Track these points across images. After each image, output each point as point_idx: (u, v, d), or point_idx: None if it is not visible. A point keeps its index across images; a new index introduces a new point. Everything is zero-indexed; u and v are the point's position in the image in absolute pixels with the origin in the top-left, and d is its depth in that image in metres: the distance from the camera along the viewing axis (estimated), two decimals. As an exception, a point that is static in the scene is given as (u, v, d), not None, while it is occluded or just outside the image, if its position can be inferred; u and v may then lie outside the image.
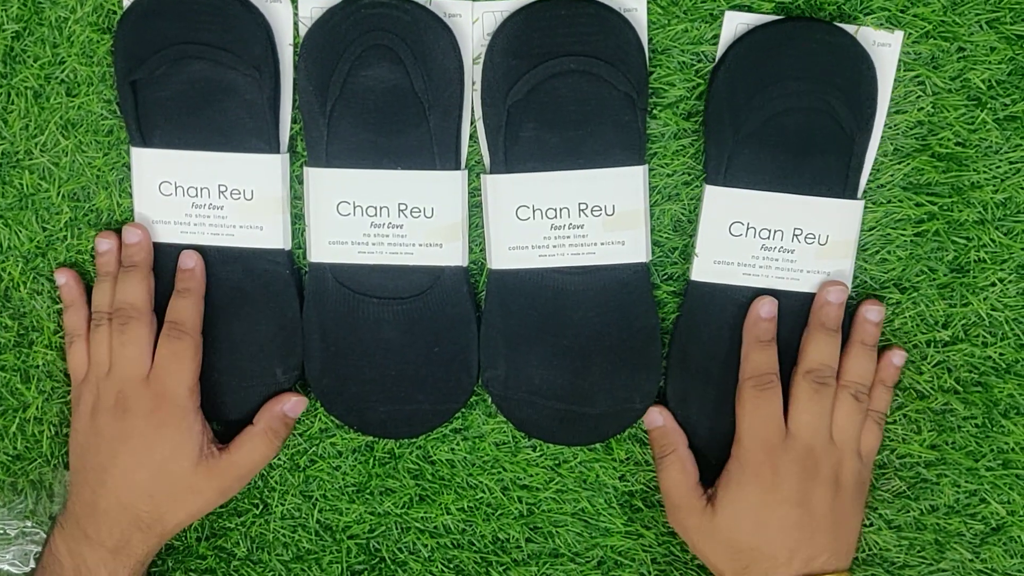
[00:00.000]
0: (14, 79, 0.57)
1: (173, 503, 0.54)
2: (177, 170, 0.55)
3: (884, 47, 0.53)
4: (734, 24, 0.53)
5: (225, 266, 0.56)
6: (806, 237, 0.54)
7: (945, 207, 0.55)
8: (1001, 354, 0.56)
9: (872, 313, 0.54)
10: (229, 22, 0.53)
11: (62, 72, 0.57)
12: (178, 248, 0.56)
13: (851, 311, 0.55)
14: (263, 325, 0.57)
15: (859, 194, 0.54)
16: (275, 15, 0.54)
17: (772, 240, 0.54)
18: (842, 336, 0.54)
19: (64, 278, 0.58)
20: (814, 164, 0.53)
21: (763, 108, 0.52)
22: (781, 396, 0.53)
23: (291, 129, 0.56)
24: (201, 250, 0.56)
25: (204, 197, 0.55)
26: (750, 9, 0.53)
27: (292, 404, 0.57)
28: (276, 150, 0.55)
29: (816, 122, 0.53)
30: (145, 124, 0.55)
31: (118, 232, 0.57)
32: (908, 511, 0.57)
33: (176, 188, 0.55)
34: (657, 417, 0.56)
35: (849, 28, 0.52)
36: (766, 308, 0.54)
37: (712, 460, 0.57)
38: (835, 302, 0.54)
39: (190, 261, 0.56)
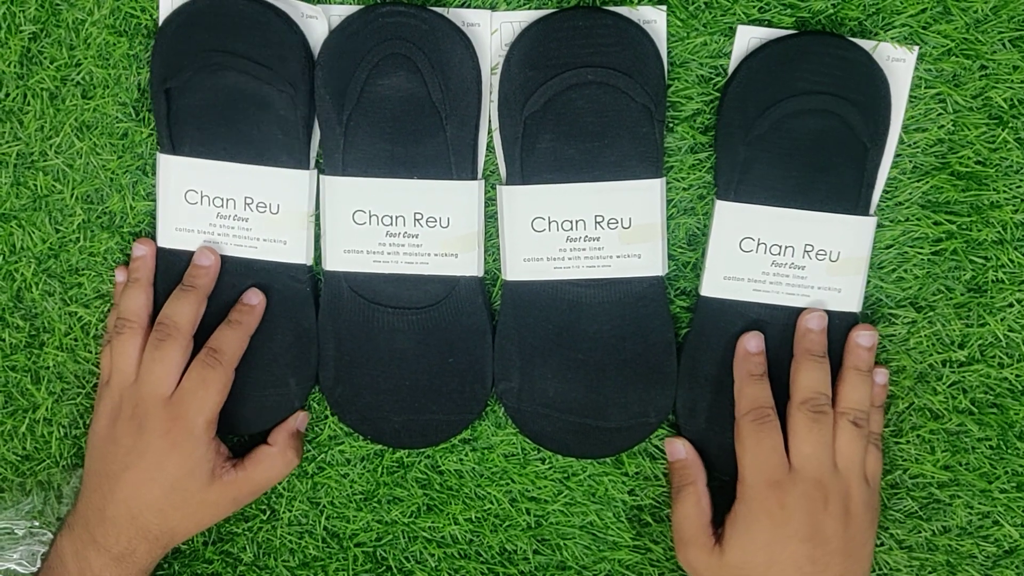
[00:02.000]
0: (30, 80, 0.57)
1: (183, 517, 0.54)
2: (204, 179, 0.55)
3: (898, 62, 0.53)
4: (747, 38, 0.53)
5: (246, 278, 0.56)
6: (817, 253, 0.54)
7: (963, 226, 0.54)
8: (1018, 376, 0.55)
9: (863, 338, 0.53)
10: (268, 37, 0.53)
11: (78, 74, 0.56)
12: None
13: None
14: (279, 336, 0.57)
15: (871, 211, 0.54)
16: (311, 31, 0.54)
17: (783, 256, 0.54)
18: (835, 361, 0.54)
19: (121, 276, 0.57)
20: (826, 180, 0.53)
21: (775, 122, 0.52)
22: (780, 429, 0.52)
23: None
24: (223, 260, 0.56)
25: (230, 208, 0.55)
26: (769, 23, 0.53)
27: (301, 419, 0.58)
28: (305, 167, 0.55)
29: (828, 137, 0.52)
30: (176, 132, 0.55)
31: (153, 239, 0.57)
32: (920, 532, 0.57)
33: (202, 197, 0.55)
34: (680, 449, 0.56)
35: (867, 44, 0.52)
36: (753, 343, 0.54)
37: (722, 476, 0.57)
38: (816, 328, 0.53)
39: (254, 298, 0.56)
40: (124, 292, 0.56)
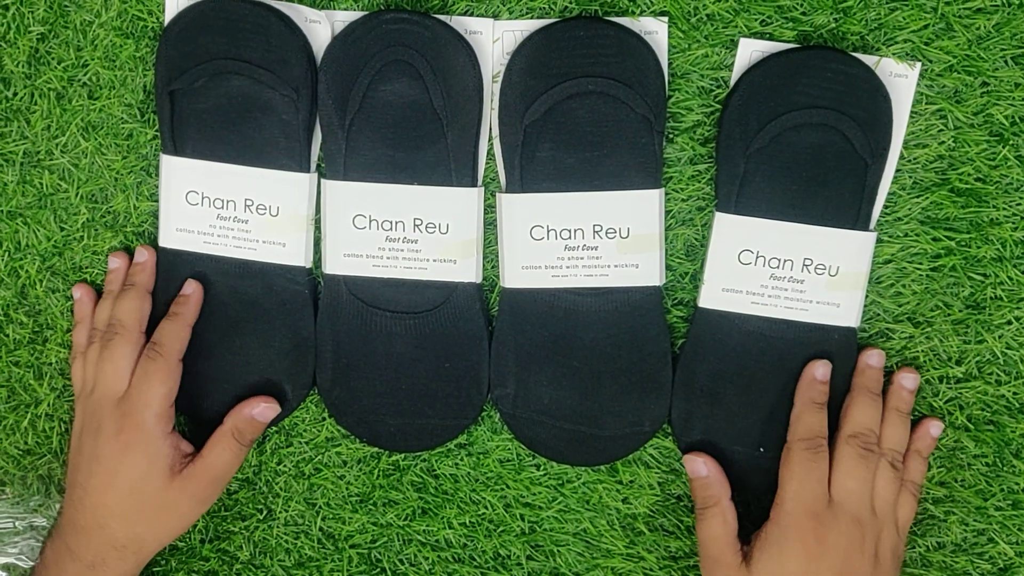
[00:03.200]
0: (38, 80, 0.57)
1: (148, 522, 0.54)
2: (205, 181, 0.55)
3: (901, 78, 0.53)
4: (749, 52, 0.53)
5: (244, 280, 0.57)
6: (816, 268, 0.53)
7: (963, 243, 0.54)
8: (1015, 393, 0.55)
9: (908, 380, 0.54)
10: (272, 42, 0.53)
11: (85, 75, 0.57)
12: (198, 257, 0.57)
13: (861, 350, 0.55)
14: (277, 341, 0.57)
15: (871, 226, 0.54)
16: (314, 36, 0.54)
17: (782, 270, 0.54)
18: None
19: (79, 293, 0.58)
20: (826, 194, 0.53)
21: (775, 136, 0.52)
22: (828, 462, 0.52)
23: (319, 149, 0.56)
24: (222, 262, 0.56)
25: (230, 210, 0.56)
26: (771, 37, 0.53)
27: (261, 410, 0.56)
28: (306, 170, 0.55)
29: (829, 151, 0.52)
30: (179, 133, 0.55)
31: (130, 253, 0.58)
32: (914, 547, 0.57)
33: (203, 199, 0.56)
34: (701, 467, 0.54)
35: (870, 60, 0.52)
36: (821, 371, 0.53)
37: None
38: (876, 366, 0.54)
39: (189, 288, 0.56)
40: (99, 305, 0.57)
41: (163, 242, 0.57)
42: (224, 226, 0.56)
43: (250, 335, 0.57)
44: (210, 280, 0.57)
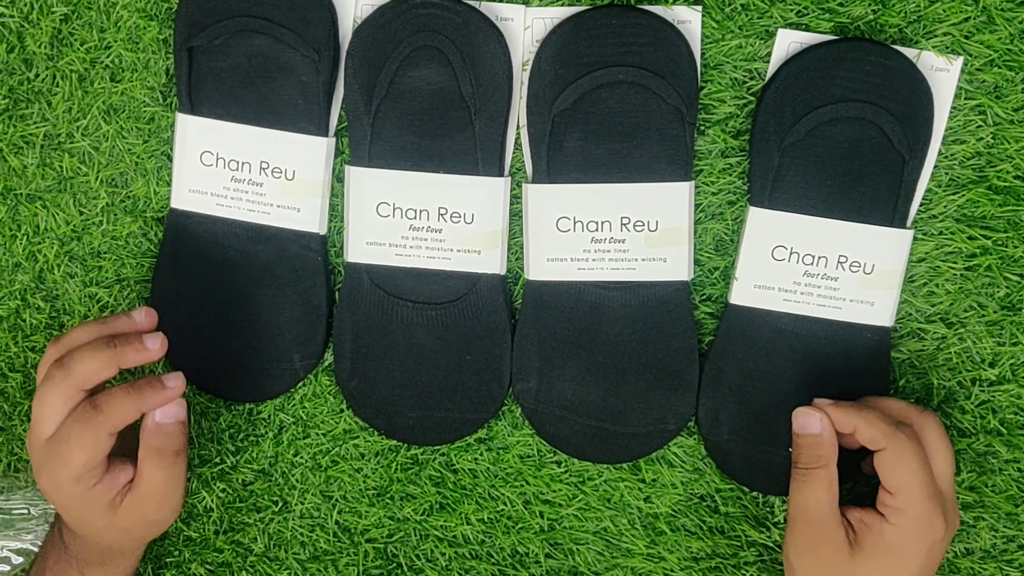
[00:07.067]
0: (60, 62, 0.57)
1: (111, 540, 0.53)
2: (221, 141, 0.54)
3: (942, 72, 0.52)
4: (787, 43, 0.52)
5: (257, 244, 0.56)
6: (851, 265, 0.52)
7: (999, 242, 0.53)
8: (1049, 397, 0.54)
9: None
10: (295, 1, 0.52)
11: (107, 57, 0.56)
12: (211, 220, 0.56)
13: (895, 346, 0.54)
14: (288, 309, 0.56)
15: (908, 223, 0.53)
16: None
17: (816, 266, 0.53)
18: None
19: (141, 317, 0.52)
20: (863, 190, 0.52)
21: (811, 129, 0.51)
22: None
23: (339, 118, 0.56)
24: (234, 225, 0.56)
25: (245, 172, 0.55)
26: (807, 28, 0.52)
27: (162, 413, 0.50)
28: (324, 134, 0.54)
29: (866, 146, 0.51)
30: (196, 92, 0.54)
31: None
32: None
33: (218, 159, 0.55)
34: (815, 423, 0.50)
35: (910, 53, 0.51)
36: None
37: (746, 487, 0.56)
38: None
39: (172, 381, 0.50)
40: (97, 347, 0.49)
41: (175, 203, 0.56)
42: (238, 188, 0.55)
43: (260, 301, 0.56)
44: (222, 244, 0.56)
